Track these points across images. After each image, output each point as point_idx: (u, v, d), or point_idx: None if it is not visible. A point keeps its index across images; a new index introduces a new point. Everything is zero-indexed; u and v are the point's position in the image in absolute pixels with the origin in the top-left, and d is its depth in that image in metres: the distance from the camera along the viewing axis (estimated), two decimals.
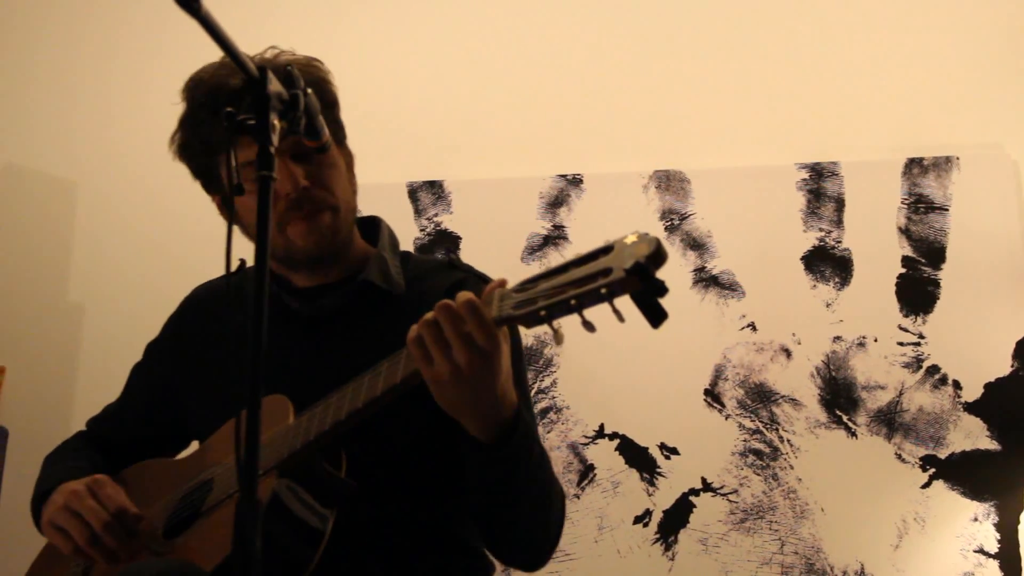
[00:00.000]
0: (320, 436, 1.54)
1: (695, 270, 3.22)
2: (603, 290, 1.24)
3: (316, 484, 1.57)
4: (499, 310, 1.37)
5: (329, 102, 1.86)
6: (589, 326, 1.27)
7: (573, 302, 1.27)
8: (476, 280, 1.84)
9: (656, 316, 1.23)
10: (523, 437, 1.53)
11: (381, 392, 1.49)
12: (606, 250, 1.27)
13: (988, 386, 3.03)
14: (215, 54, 1.24)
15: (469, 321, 1.38)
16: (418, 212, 3.36)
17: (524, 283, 1.36)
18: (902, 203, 3.19)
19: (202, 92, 1.82)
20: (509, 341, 1.46)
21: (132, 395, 2.10)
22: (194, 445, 1.99)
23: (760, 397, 3.11)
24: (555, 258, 3.28)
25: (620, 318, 1.24)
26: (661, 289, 1.22)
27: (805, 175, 3.25)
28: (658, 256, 1.22)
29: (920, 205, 3.18)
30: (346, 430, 1.54)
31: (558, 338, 1.31)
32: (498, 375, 1.44)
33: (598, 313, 1.27)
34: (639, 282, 1.21)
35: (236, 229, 1.88)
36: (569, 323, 1.30)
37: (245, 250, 1.25)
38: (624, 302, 1.24)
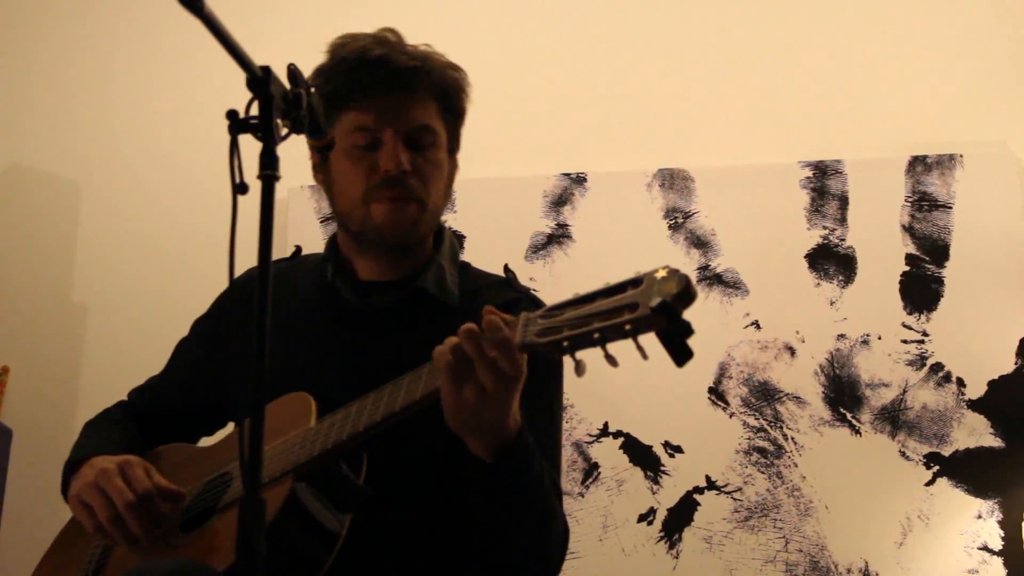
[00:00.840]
0: (337, 445, 1.55)
1: (699, 268, 3.22)
2: (628, 326, 1.23)
3: (333, 489, 1.56)
4: (523, 336, 1.36)
5: (457, 112, 1.90)
6: (611, 360, 1.26)
7: (596, 335, 1.26)
8: (529, 303, 1.83)
9: (681, 356, 1.22)
10: (519, 459, 1.53)
11: (400, 408, 1.50)
12: (635, 282, 1.26)
13: (992, 383, 3.02)
14: (218, 53, 1.24)
15: (494, 346, 1.38)
16: None
17: (551, 309, 1.35)
18: (906, 201, 3.19)
19: (351, 51, 1.83)
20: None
21: (174, 370, 2.09)
22: (230, 427, 1.99)
23: (764, 395, 3.11)
24: (559, 257, 3.28)
25: (643, 355, 1.24)
26: (687, 330, 1.21)
27: (809, 173, 3.24)
28: (686, 295, 1.21)
29: (924, 203, 3.18)
30: (363, 441, 1.55)
31: (579, 370, 1.30)
32: (513, 400, 1.45)
33: (620, 346, 1.25)
34: (665, 321, 1.20)
35: (319, 196, 1.89)
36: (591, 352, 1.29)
37: (251, 247, 1.24)
38: (648, 337, 1.23)
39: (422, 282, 1.82)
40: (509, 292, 1.86)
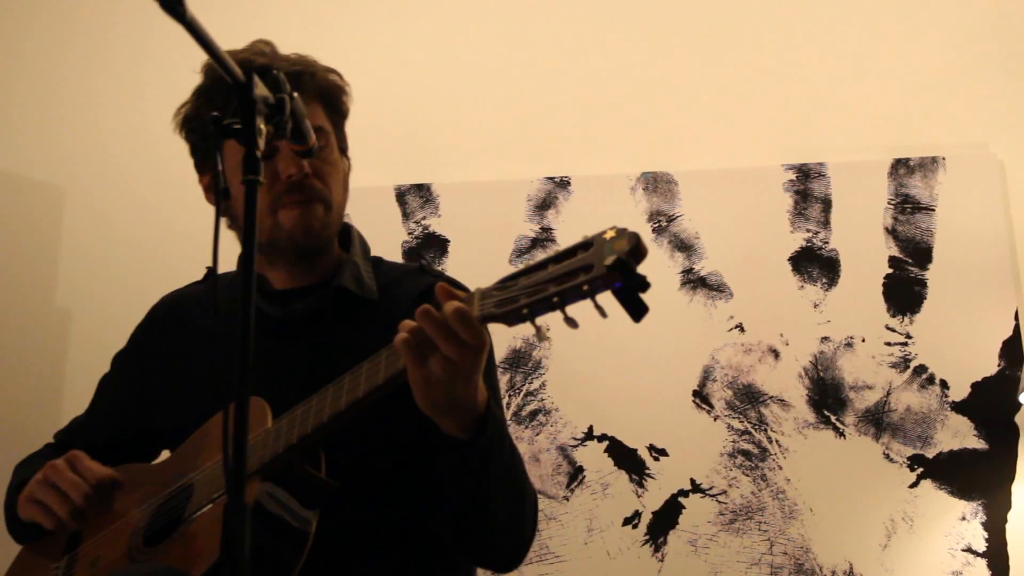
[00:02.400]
0: (302, 439, 1.54)
1: (683, 272, 3.22)
2: (584, 287, 1.24)
3: (298, 486, 1.56)
4: (480, 309, 1.37)
5: (342, 113, 1.92)
6: (572, 322, 1.26)
7: (555, 299, 1.26)
8: (449, 285, 1.84)
9: (637, 311, 1.23)
10: (494, 431, 1.54)
11: (363, 394, 1.49)
12: (585, 246, 1.27)
13: (975, 385, 3.04)
14: (202, 57, 1.24)
15: (455, 323, 1.38)
16: (406, 215, 3.35)
17: (503, 280, 1.36)
18: (889, 203, 3.20)
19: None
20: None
21: (101, 406, 2.09)
22: (164, 455, 1.98)
23: (748, 398, 3.11)
24: None
25: (602, 313, 1.24)
26: (643, 284, 1.22)
27: (792, 176, 3.26)
28: (638, 251, 1.22)
29: (907, 205, 3.19)
30: (328, 433, 1.54)
31: (541, 335, 1.30)
32: (480, 371, 1.46)
33: (580, 310, 1.26)
34: (620, 277, 1.21)
35: (225, 224, 1.89)
36: (553, 323, 1.30)
37: (232, 250, 1.24)
38: (605, 297, 1.24)
39: (340, 281, 1.83)
40: (427, 278, 1.88)
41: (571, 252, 1.28)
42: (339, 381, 1.54)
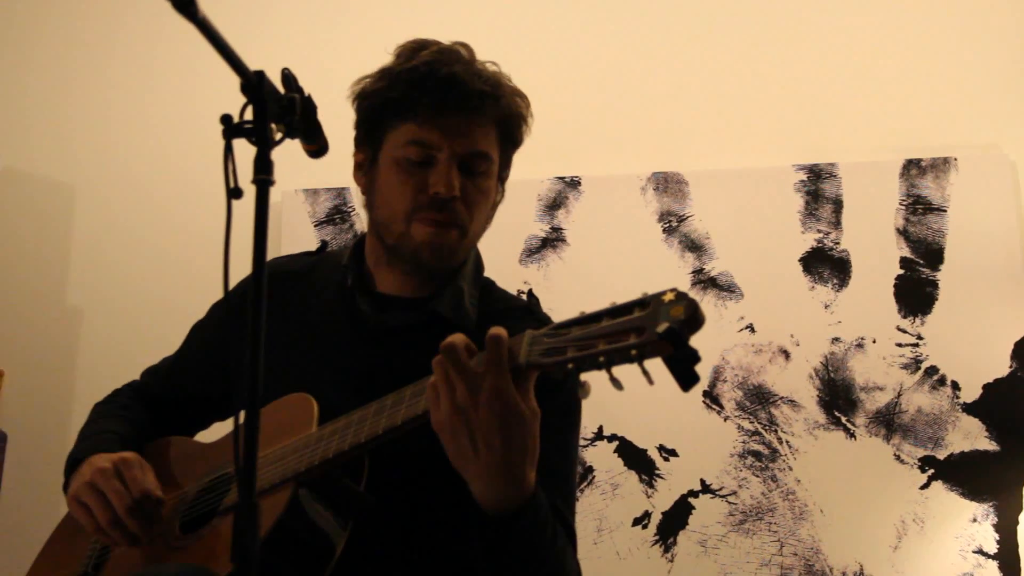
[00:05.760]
0: (338, 455, 1.52)
1: (693, 272, 3.22)
2: (633, 351, 1.20)
3: (334, 497, 1.55)
4: (527, 355, 1.32)
5: (516, 142, 1.88)
6: (617, 384, 1.24)
7: (602, 359, 1.23)
8: None
9: (687, 381, 1.19)
10: (529, 528, 1.44)
11: (402, 421, 1.46)
12: (643, 304, 1.23)
13: (986, 387, 3.03)
14: (213, 57, 1.24)
15: (493, 366, 1.33)
16: None
17: (556, 328, 1.32)
18: (900, 204, 3.19)
19: (422, 60, 1.76)
20: (532, 405, 1.38)
21: (189, 353, 2.06)
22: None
23: (759, 399, 3.11)
24: (553, 260, 3.28)
25: (649, 380, 1.21)
26: (694, 357, 1.18)
27: (803, 176, 3.25)
28: (694, 322, 1.18)
29: (918, 206, 3.18)
30: (365, 452, 1.53)
31: (584, 391, 1.27)
32: (510, 436, 1.37)
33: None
34: (671, 347, 1.18)
35: (361, 204, 1.87)
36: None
37: (245, 251, 1.24)
38: (654, 361, 1.21)
39: (436, 304, 1.78)
40: (530, 322, 1.75)
41: (627, 308, 1.25)
42: (383, 400, 1.51)
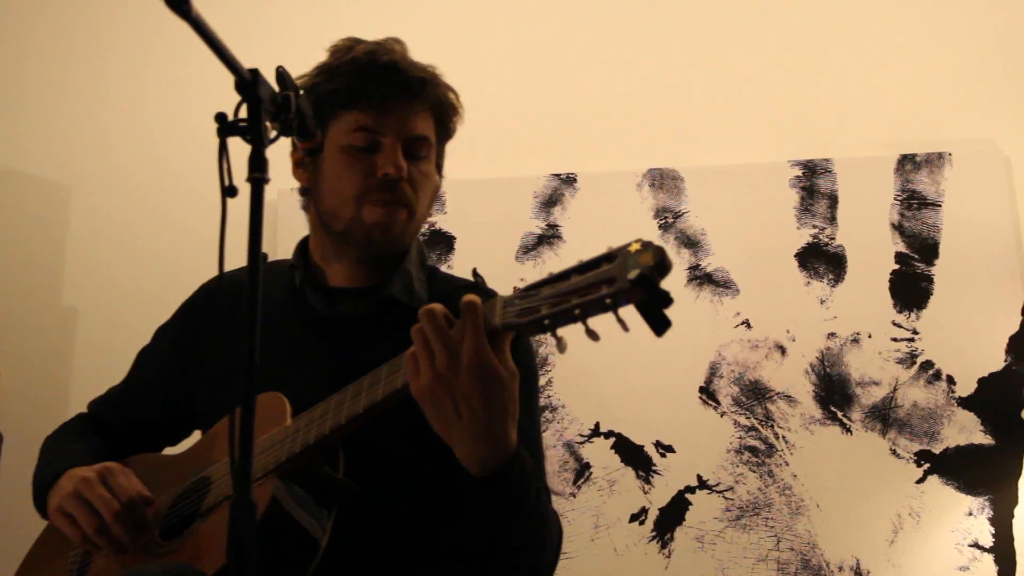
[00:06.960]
0: (319, 440, 1.53)
1: (689, 268, 3.22)
2: (607, 300, 1.22)
3: (316, 487, 1.56)
4: (502, 317, 1.35)
5: (449, 132, 1.94)
6: (593, 335, 1.25)
7: (577, 311, 1.25)
8: None
9: (660, 325, 1.21)
10: (516, 485, 1.47)
11: (381, 397, 1.48)
12: (609, 257, 1.25)
13: (981, 381, 3.04)
14: (208, 55, 1.24)
15: (470, 330, 1.36)
16: None
17: (527, 289, 1.34)
18: (895, 199, 3.19)
19: (361, 52, 1.86)
20: (510, 366, 1.40)
21: (138, 378, 2.07)
22: (196, 435, 1.98)
23: (755, 394, 3.11)
24: (550, 257, 3.28)
25: (624, 327, 1.23)
26: (666, 300, 1.20)
27: (798, 172, 3.25)
28: (662, 266, 1.20)
29: (913, 201, 3.19)
30: (345, 434, 1.53)
31: (561, 347, 1.29)
32: (491, 398, 1.39)
33: (599, 318, 1.25)
34: (644, 292, 1.19)
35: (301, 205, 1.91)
36: (571, 330, 1.28)
37: (240, 250, 1.24)
38: (626, 309, 1.23)
39: (389, 289, 1.82)
40: (481, 296, 1.85)
41: (595, 263, 1.26)
42: (359, 382, 1.53)
